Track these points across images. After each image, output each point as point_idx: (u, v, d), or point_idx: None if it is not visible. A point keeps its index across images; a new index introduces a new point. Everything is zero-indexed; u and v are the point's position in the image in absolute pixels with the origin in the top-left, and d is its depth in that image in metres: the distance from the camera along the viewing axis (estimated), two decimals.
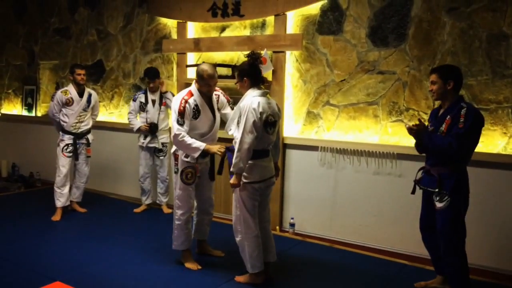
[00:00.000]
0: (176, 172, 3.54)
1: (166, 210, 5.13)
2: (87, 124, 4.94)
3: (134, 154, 5.68)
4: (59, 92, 4.80)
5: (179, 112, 3.31)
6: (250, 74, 3.17)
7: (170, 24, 5.25)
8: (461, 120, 2.85)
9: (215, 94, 3.56)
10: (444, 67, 3.14)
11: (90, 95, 4.92)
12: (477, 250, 3.66)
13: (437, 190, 2.97)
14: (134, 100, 4.96)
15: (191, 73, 5.12)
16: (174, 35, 5.19)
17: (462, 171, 3.01)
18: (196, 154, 3.32)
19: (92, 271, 3.49)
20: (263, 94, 3.16)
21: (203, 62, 3.56)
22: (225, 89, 4.92)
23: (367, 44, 4.11)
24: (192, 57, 5.13)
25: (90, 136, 5.00)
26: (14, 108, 7.03)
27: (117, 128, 5.75)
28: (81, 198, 5.11)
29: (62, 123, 4.81)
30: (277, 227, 4.56)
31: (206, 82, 3.35)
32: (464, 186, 3.02)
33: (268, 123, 3.13)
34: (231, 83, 4.81)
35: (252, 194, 3.18)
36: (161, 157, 5.02)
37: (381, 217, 4.12)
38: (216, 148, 3.31)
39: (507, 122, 3.59)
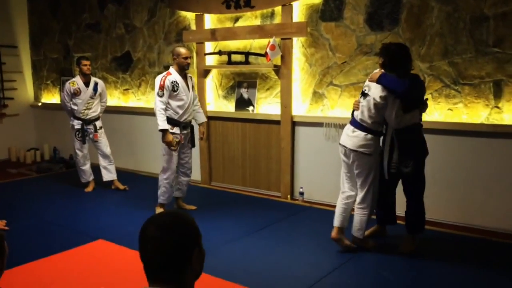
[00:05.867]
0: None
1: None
2: (95, 111, 5.39)
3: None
4: (67, 83, 5.29)
5: None
6: None
7: (189, 16, 5.76)
8: None
9: None
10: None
11: (96, 83, 5.35)
12: (464, 210, 4.12)
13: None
14: None
15: (209, 61, 5.66)
16: (193, 26, 5.71)
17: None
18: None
19: (130, 231, 3.94)
20: None
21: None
22: (239, 74, 5.48)
23: (364, 29, 4.53)
24: (209, 46, 5.65)
25: (98, 123, 5.44)
26: (53, 97, 7.73)
27: (146, 112, 6.33)
28: (115, 175, 5.57)
29: (72, 110, 5.34)
30: (288, 196, 5.10)
31: None
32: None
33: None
34: (245, 68, 5.33)
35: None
36: None
37: None
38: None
39: (489, 95, 3.99)
